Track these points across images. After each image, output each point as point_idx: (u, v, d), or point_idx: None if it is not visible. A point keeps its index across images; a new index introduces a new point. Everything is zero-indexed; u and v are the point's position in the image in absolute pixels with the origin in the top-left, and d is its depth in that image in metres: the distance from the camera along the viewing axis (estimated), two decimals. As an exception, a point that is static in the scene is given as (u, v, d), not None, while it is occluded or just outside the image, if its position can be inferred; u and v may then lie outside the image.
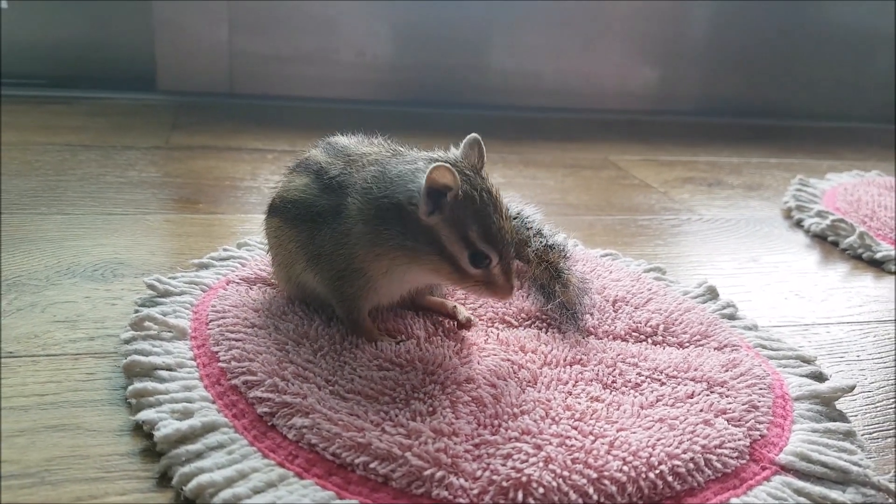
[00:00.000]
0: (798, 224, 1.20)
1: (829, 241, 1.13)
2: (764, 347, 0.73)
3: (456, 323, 0.69)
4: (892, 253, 1.05)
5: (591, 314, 0.72)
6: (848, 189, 1.33)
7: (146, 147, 1.28)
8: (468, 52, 1.79)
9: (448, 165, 0.56)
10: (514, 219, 0.81)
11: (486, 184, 0.60)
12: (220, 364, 0.60)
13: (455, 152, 0.62)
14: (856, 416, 0.67)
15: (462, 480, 0.49)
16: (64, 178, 1.08)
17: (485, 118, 1.76)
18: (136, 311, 0.69)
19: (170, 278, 0.75)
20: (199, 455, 0.51)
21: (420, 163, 0.59)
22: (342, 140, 0.69)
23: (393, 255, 0.60)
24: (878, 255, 1.06)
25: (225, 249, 0.83)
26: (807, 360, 0.72)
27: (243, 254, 0.82)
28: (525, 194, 1.22)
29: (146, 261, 0.84)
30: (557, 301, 0.71)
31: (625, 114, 1.93)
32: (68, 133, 1.32)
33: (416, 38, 1.75)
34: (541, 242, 0.76)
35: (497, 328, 0.70)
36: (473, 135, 0.62)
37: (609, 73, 1.92)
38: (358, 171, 0.62)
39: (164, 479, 0.51)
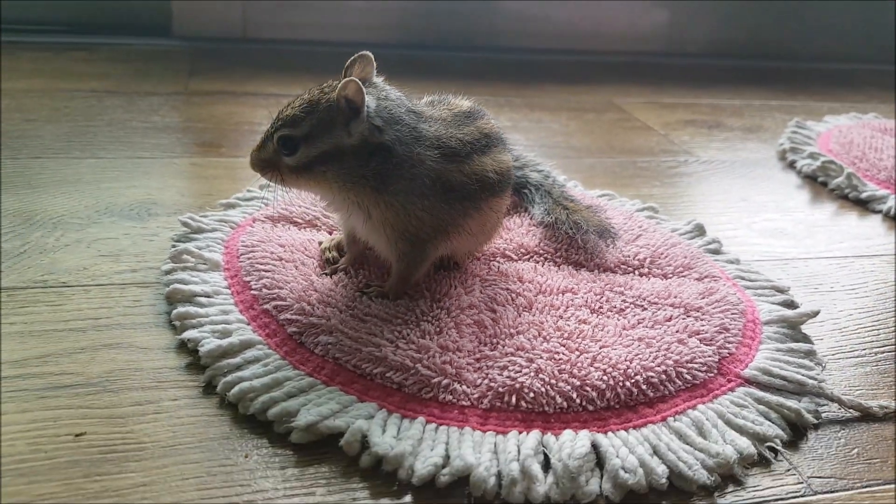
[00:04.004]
0: (791, 165, 1.25)
1: (819, 182, 1.19)
2: (742, 279, 0.80)
3: None
4: (877, 193, 1.11)
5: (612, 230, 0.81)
6: (843, 131, 1.37)
7: (167, 93, 1.34)
8: (477, -5, 1.82)
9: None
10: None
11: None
12: (252, 292, 0.68)
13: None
14: (822, 339, 0.75)
15: (464, 387, 0.57)
16: (93, 124, 1.15)
17: (493, 61, 1.79)
18: (174, 246, 0.77)
19: (201, 216, 0.82)
20: (238, 367, 0.59)
21: None
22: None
23: None
24: (864, 195, 1.11)
25: (249, 191, 0.91)
26: (780, 290, 0.79)
27: (266, 194, 0.89)
28: (529, 138, 1.28)
29: (177, 201, 0.91)
30: (587, 229, 0.80)
31: (632, 56, 1.96)
32: (92, 80, 1.38)
33: (426, -19, 1.77)
34: (558, 192, 0.86)
35: (498, 261, 0.78)
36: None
37: (618, 15, 1.94)
38: None
39: (209, 388, 0.59)
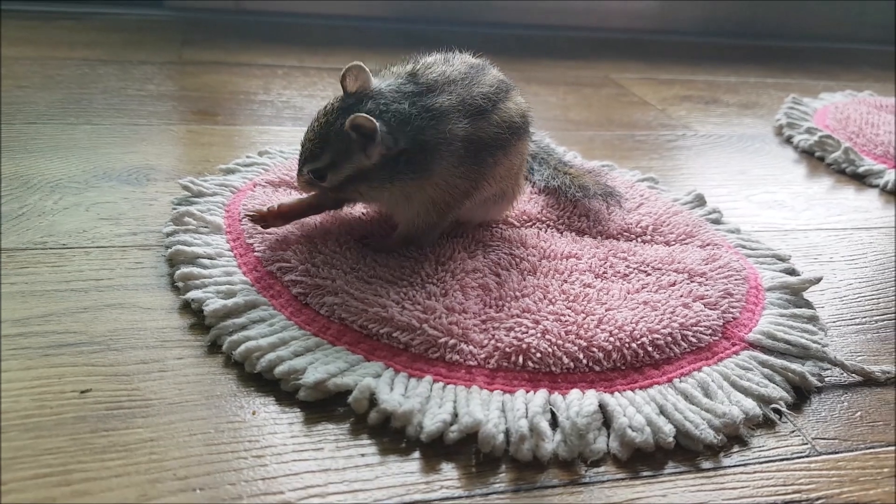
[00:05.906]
0: (788, 140, 1.26)
1: (816, 157, 1.19)
2: (744, 247, 0.81)
3: None
4: (875, 167, 1.12)
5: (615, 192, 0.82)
6: (839, 108, 1.37)
7: (160, 62, 1.32)
8: (473, -31, 1.80)
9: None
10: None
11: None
12: (255, 254, 0.67)
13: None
14: (823, 307, 0.75)
15: (471, 347, 0.57)
16: (87, 91, 1.13)
17: (488, 36, 1.78)
18: (174, 209, 0.76)
19: (202, 180, 0.81)
20: (243, 327, 0.59)
21: None
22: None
23: None
24: (861, 170, 1.12)
25: (248, 157, 0.90)
26: (782, 259, 0.79)
27: (266, 161, 0.88)
28: (528, 110, 1.27)
29: (175, 167, 0.90)
30: (594, 192, 0.81)
31: (628, 33, 1.95)
32: (83, 48, 1.35)
33: (422, -46, 1.75)
34: (556, 159, 0.87)
35: (501, 228, 0.77)
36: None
37: (612, -9, 1.93)
38: None
39: (213, 347, 0.59)
